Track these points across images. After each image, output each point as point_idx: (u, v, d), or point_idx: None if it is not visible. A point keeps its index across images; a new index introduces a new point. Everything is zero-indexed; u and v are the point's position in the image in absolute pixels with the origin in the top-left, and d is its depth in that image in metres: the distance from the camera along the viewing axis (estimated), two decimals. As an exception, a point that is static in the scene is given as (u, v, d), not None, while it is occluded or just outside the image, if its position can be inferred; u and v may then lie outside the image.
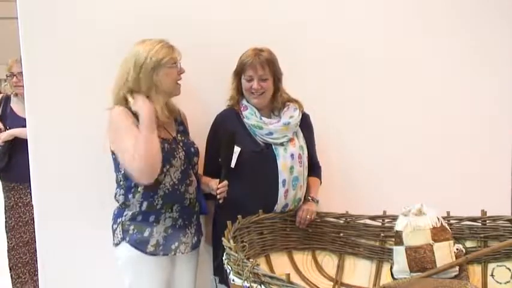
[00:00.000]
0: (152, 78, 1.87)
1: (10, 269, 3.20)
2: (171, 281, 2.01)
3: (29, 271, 3.12)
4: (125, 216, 1.92)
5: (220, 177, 1.98)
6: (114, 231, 1.95)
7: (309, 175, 2.20)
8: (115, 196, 1.97)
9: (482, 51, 2.52)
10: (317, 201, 2.19)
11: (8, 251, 3.17)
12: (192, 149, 2.03)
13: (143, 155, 1.77)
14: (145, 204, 1.90)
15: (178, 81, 1.95)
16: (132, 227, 1.90)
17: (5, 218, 3.19)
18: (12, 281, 3.24)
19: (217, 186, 1.96)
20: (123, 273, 1.95)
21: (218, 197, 1.96)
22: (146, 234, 1.89)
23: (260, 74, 2.04)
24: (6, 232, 3.18)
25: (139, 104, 1.84)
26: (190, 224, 2.01)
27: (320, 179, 2.27)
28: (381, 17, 2.44)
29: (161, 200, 1.91)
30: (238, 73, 2.10)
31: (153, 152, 1.80)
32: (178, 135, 2.03)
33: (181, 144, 1.99)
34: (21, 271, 3.13)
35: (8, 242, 3.18)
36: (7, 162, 3.04)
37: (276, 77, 2.09)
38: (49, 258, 2.24)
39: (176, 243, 1.94)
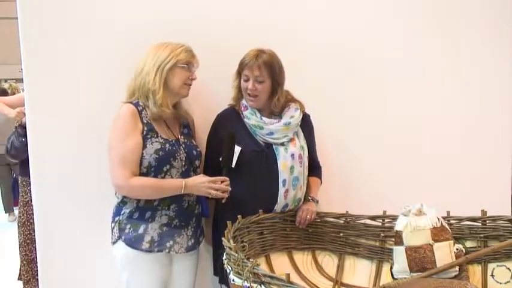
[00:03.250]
0: (166, 77, 1.92)
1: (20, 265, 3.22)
2: (169, 281, 2.01)
3: (32, 269, 3.12)
4: (123, 214, 1.93)
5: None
6: (112, 229, 1.97)
7: (309, 175, 2.20)
8: (116, 193, 1.98)
9: (483, 51, 2.52)
10: (317, 201, 2.19)
11: (19, 247, 3.19)
12: (194, 152, 2.04)
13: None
14: (142, 200, 1.92)
15: (187, 83, 1.98)
16: (128, 226, 1.91)
17: (19, 213, 3.23)
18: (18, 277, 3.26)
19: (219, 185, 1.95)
20: (121, 272, 1.96)
21: (221, 195, 1.95)
22: (141, 231, 1.90)
23: (256, 75, 2.03)
24: (18, 227, 3.22)
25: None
26: (187, 226, 2.01)
27: (320, 178, 2.27)
28: (381, 17, 2.44)
29: None
30: (239, 72, 2.10)
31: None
32: (182, 137, 2.04)
33: (183, 146, 2.00)
34: (25, 269, 3.14)
35: (18, 237, 3.20)
36: (27, 157, 3.03)
37: (275, 80, 2.07)
38: (49, 258, 2.24)
39: (171, 242, 1.95)
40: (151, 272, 1.92)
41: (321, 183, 2.27)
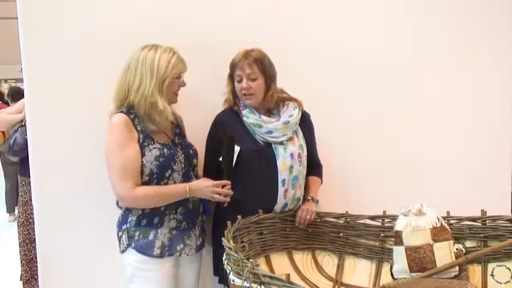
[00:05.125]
0: (163, 88, 1.89)
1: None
2: (176, 282, 2.01)
3: (31, 269, 3.12)
4: (130, 222, 1.92)
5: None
6: (119, 238, 1.95)
7: (310, 174, 2.20)
8: (117, 203, 1.97)
9: (482, 51, 2.53)
10: (317, 201, 2.19)
11: (18, 246, 3.20)
12: (191, 151, 2.04)
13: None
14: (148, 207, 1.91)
15: (177, 92, 1.96)
16: (137, 233, 1.90)
17: (18, 213, 3.24)
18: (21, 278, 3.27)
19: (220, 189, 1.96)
20: (131, 278, 1.94)
21: (223, 199, 1.95)
22: (151, 237, 1.90)
23: (248, 73, 2.04)
24: (18, 227, 3.22)
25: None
26: (194, 227, 2.01)
27: (321, 177, 2.27)
28: (380, 16, 2.44)
29: None
30: (231, 75, 2.11)
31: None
32: (176, 138, 2.03)
33: (179, 147, 1.99)
34: (24, 269, 3.15)
35: (18, 237, 3.21)
36: (26, 155, 3.01)
37: (267, 75, 2.08)
38: (49, 258, 2.24)
39: (181, 245, 1.95)
40: (162, 276, 1.91)
41: (322, 182, 2.27)
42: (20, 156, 3.16)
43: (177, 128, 2.08)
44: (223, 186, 1.95)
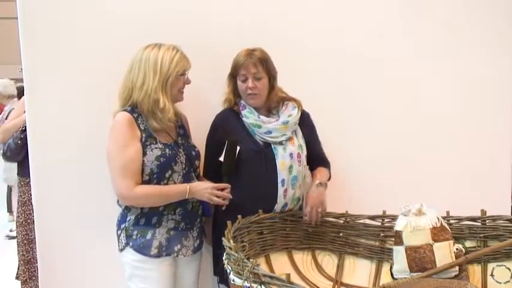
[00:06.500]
0: (167, 86, 1.89)
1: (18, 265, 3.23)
2: (174, 282, 2.01)
3: (29, 270, 3.13)
4: (128, 221, 1.93)
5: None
6: (118, 237, 1.96)
7: (317, 167, 2.18)
8: (118, 201, 1.97)
9: (482, 51, 2.52)
10: (325, 185, 2.11)
11: (17, 247, 3.20)
12: (193, 152, 2.04)
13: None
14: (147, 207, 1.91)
15: (182, 90, 1.97)
16: (135, 232, 1.91)
17: (17, 213, 3.24)
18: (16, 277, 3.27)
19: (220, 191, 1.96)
20: (130, 277, 1.95)
21: (222, 202, 1.96)
22: (149, 236, 1.90)
23: (254, 73, 2.04)
24: (16, 227, 3.23)
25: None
26: (192, 228, 2.02)
27: (329, 170, 2.22)
28: (380, 16, 2.44)
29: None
30: (233, 75, 2.10)
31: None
32: (179, 138, 2.03)
33: (182, 148, 1.99)
34: (22, 269, 3.15)
35: (16, 237, 3.22)
36: (24, 157, 2.97)
37: (271, 75, 2.09)
38: (49, 258, 2.24)
39: (179, 246, 1.95)
40: (160, 276, 1.92)
41: (330, 177, 2.21)
42: (14, 161, 3.18)
43: (181, 128, 2.08)
44: (222, 189, 1.95)
